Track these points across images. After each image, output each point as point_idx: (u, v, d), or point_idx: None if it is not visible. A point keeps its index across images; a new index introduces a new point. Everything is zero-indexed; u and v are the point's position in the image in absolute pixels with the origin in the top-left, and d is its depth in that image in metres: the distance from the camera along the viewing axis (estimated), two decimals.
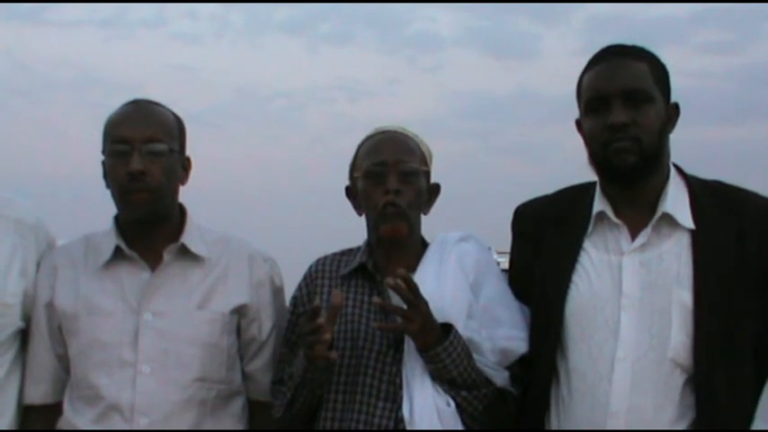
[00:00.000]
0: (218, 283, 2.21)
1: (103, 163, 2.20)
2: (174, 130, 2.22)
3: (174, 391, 2.13)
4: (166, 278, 2.18)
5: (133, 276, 2.17)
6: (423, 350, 2.03)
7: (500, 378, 2.10)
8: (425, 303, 2.00)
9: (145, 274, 2.17)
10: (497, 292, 2.18)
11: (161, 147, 2.15)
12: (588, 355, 2.00)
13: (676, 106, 2.10)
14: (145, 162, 2.11)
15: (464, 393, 2.05)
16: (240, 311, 2.23)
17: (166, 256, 2.17)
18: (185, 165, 2.27)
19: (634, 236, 2.04)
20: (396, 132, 2.25)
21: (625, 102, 1.99)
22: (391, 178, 2.15)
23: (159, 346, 2.13)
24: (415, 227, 2.19)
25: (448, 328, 2.05)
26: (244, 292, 2.23)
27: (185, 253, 2.20)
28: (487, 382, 2.08)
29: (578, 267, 2.07)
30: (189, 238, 2.21)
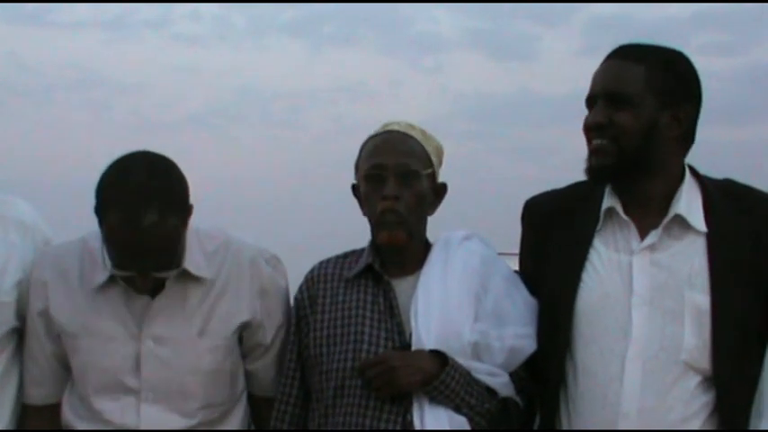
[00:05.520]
0: (218, 303, 2.15)
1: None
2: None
3: (178, 419, 2.11)
4: (167, 301, 2.10)
5: (132, 297, 2.10)
6: (422, 385, 2.01)
7: (504, 387, 2.08)
8: (389, 357, 2.02)
9: (144, 296, 2.09)
10: (504, 290, 2.16)
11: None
12: (599, 354, 2.00)
13: (684, 111, 2.04)
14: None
15: (465, 411, 2.04)
16: (243, 326, 2.18)
17: (168, 282, 2.08)
18: (189, 211, 2.10)
19: (643, 235, 2.03)
20: (397, 133, 2.20)
21: (608, 103, 2.01)
22: (390, 183, 2.12)
23: (161, 375, 2.10)
24: (415, 231, 2.17)
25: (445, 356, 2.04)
26: (245, 308, 2.17)
27: (186, 273, 2.11)
28: (490, 395, 2.06)
29: (588, 266, 2.06)
30: (190, 260, 2.11)
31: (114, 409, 2.10)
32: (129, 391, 2.10)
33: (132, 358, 2.10)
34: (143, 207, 1.91)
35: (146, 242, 1.92)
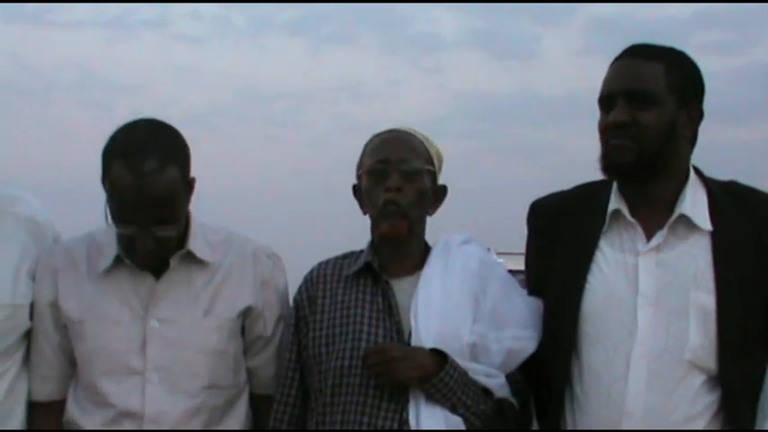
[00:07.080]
0: (222, 288, 2.19)
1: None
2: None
3: (183, 400, 2.12)
4: (171, 284, 2.15)
5: (137, 281, 2.15)
6: (420, 383, 2.02)
7: (500, 388, 2.08)
8: (391, 347, 2.04)
9: (149, 279, 2.14)
10: (502, 292, 2.16)
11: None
12: (604, 354, 2.00)
13: (699, 110, 2.06)
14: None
15: (461, 411, 2.04)
16: (245, 313, 2.21)
17: (172, 263, 2.14)
18: (191, 185, 2.16)
19: (649, 236, 2.03)
20: (402, 132, 2.24)
21: (628, 101, 1.99)
22: (393, 176, 2.14)
23: (167, 355, 2.12)
24: (416, 226, 2.18)
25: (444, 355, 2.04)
26: (248, 294, 2.21)
27: (190, 257, 2.17)
28: (486, 396, 2.07)
29: (593, 267, 2.06)
30: (194, 243, 2.17)
31: (119, 392, 2.11)
32: (133, 372, 2.11)
33: (138, 339, 2.12)
34: (144, 155, 1.98)
35: (146, 189, 1.97)
